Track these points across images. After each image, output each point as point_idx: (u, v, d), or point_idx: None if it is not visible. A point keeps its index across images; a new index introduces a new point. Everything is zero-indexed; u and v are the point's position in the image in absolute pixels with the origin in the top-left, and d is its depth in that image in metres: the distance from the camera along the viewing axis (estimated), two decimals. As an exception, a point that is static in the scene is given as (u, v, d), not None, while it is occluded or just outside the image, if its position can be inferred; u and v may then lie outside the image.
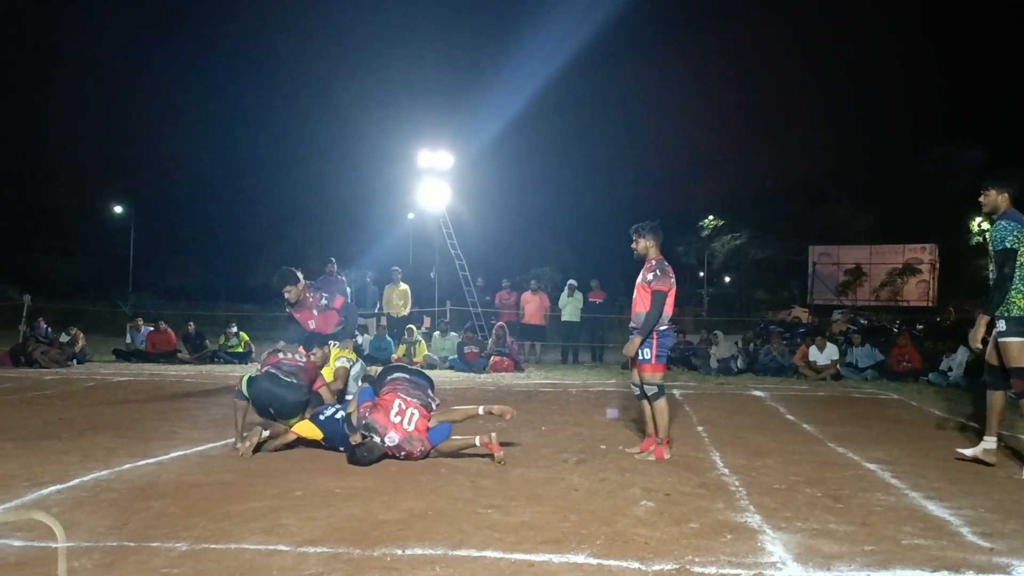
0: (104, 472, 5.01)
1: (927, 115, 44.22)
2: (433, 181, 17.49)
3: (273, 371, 5.97)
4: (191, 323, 15.57)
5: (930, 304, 30.90)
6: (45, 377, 11.38)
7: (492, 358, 13.45)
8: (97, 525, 3.87)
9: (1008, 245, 5.24)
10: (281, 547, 3.55)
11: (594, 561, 3.41)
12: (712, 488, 4.83)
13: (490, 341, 14.12)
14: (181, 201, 46.32)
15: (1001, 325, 5.32)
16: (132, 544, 3.56)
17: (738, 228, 43.26)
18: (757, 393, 10.43)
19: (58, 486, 4.63)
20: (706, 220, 45.19)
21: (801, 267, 36.31)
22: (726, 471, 5.34)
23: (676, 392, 10.39)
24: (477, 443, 5.54)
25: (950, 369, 11.79)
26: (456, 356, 13.81)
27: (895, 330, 17.41)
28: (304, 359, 6.30)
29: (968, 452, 5.60)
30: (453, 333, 14.83)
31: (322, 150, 48.22)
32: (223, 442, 6.12)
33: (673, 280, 5.80)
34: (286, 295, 6.99)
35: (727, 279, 46.62)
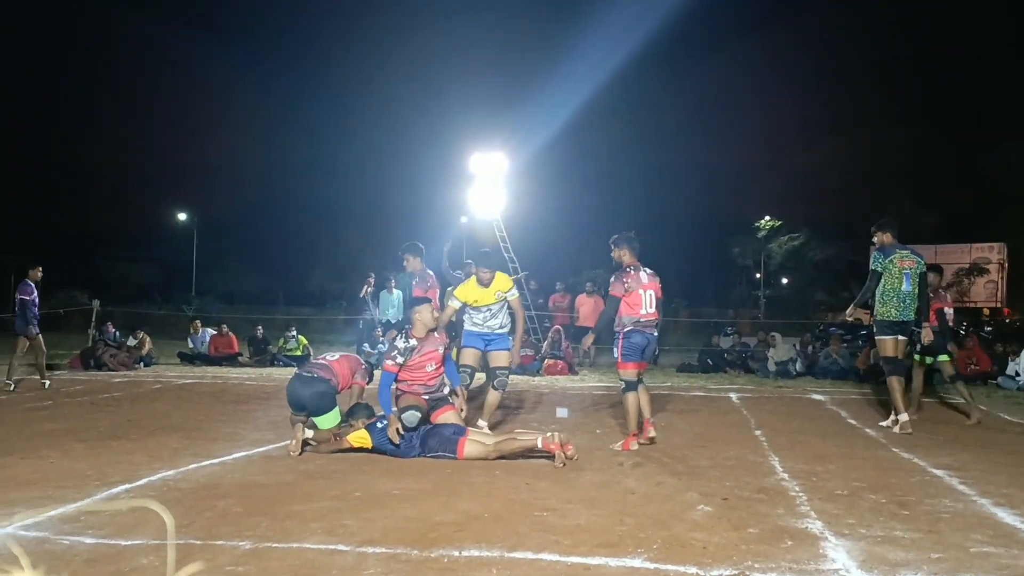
0: (171, 472, 5.16)
1: (994, 109, 42.76)
2: (487, 184, 17.57)
3: (303, 371, 6.35)
4: (259, 327, 15.93)
5: (999, 305, 29.82)
6: (113, 379, 11.76)
7: (546, 361, 13.44)
8: (163, 525, 3.98)
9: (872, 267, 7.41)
10: (341, 547, 3.61)
11: (651, 565, 3.38)
12: (771, 493, 4.75)
13: (545, 344, 14.12)
14: (241, 208, 47.48)
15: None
16: (198, 542, 3.66)
17: (796, 228, 42.42)
18: (817, 397, 10.22)
19: (127, 485, 4.79)
20: (762, 221, 44.42)
21: (862, 268, 35.42)
22: (785, 476, 5.25)
23: (733, 396, 10.25)
24: (539, 444, 5.56)
25: (1017, 374, 11.37)
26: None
27: (962, 332, 16.86)
28: (335, 356, 6.55)
29: (884, 423, 7.41)
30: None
31: (377, 155, 48.94)
32: (283, 443, 6.25)
33: (628, 285, 6.32)
34: (405, 264, 7.56)
35: (784, 280, 45.76)
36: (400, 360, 6.16)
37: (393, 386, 6.17)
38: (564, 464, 5.40)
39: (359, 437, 5.88)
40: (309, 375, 6.23)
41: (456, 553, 3.52)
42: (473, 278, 6.96)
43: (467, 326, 7.01)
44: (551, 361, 13.43)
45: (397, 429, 5.73)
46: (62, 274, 10.85)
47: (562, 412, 6.32)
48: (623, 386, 6.40)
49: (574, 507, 4.34)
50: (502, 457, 5.58)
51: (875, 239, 7.58)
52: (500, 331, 6.93)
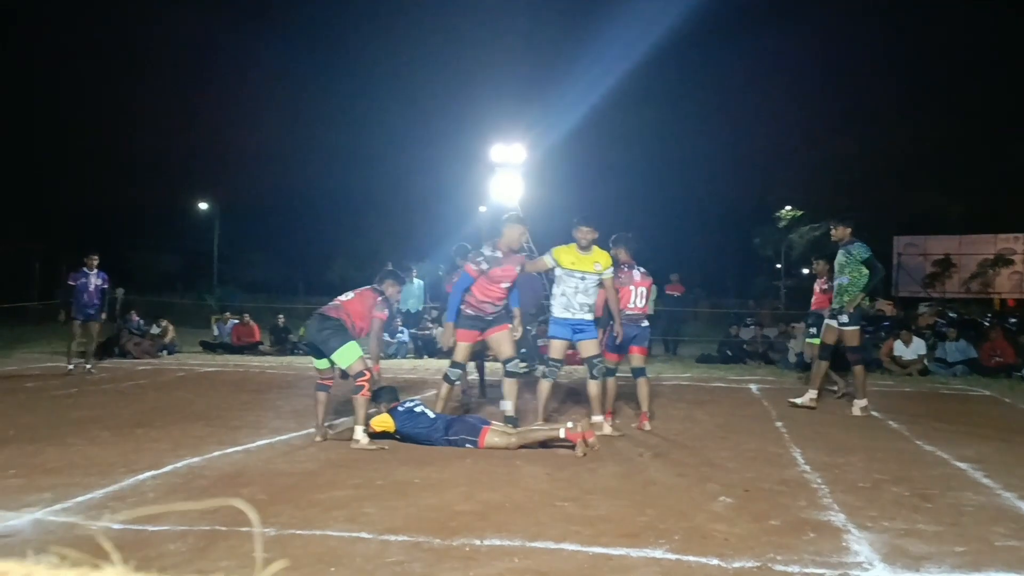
0: (195, 459, 5.22)
1: (1021, 100, 42.03)
2: (506, 174, 17.55)
3: (317, 312, 6.17)
4: (281, 316, 16.06)
5: (1024, 297, 29.44)
6: (138, 367, 11.91)
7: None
8: (190, 511, 4.04)
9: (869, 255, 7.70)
10: (364, 535, 3.64)
11: (672, 556, 3.39)
12: (793, 485, 4.73)
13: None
14: (262, 198, 47.67)
15: (844, 317, 7.68)
16: (224, 529, 3.70)
17: (817, 218, 41.99)
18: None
19: (153, 472, 4.85)
20: (783, 211, 44.00)
21: (884, 259, 35.00)
22: (807, 468, 5.22)
23: (753, 387, 10.20)
24: (562, 434, 5.58)
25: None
26: (527, 349, 13.84)
27: (986, 324, 16.67)
28: (350, 296, 6.25)
29: (799, 400, 8.04)
30: (526, 327, 14.86)
31: (397, 145, 48.92)
32: (305, 431, 6.31)
33: (620, 280, 6.85)
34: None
35: (805, 271, 45.37)
36: (484, 267, 6.13)
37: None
38: (585, 454, 5.42)
39: (382, 421, 5.91)
40: (321, 315, 6.02)
41: (477, 542, 3.54)
42: (572, 244, 6.49)
43: (555, 310, 6.53)
44: (570, 351, 13.41)
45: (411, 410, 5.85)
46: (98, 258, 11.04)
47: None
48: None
49: (595, 497, 4.35)
50: (524, 447, 5.60)
51: (839, 232, 7.89)
52: (588, 316, 6.51)
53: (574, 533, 3.68)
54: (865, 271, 7.62)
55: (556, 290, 6.51)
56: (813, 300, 9.37)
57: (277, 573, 1.11)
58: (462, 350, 6.51)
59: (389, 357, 14.11)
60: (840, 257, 7.77)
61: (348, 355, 5.89)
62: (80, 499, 4.17)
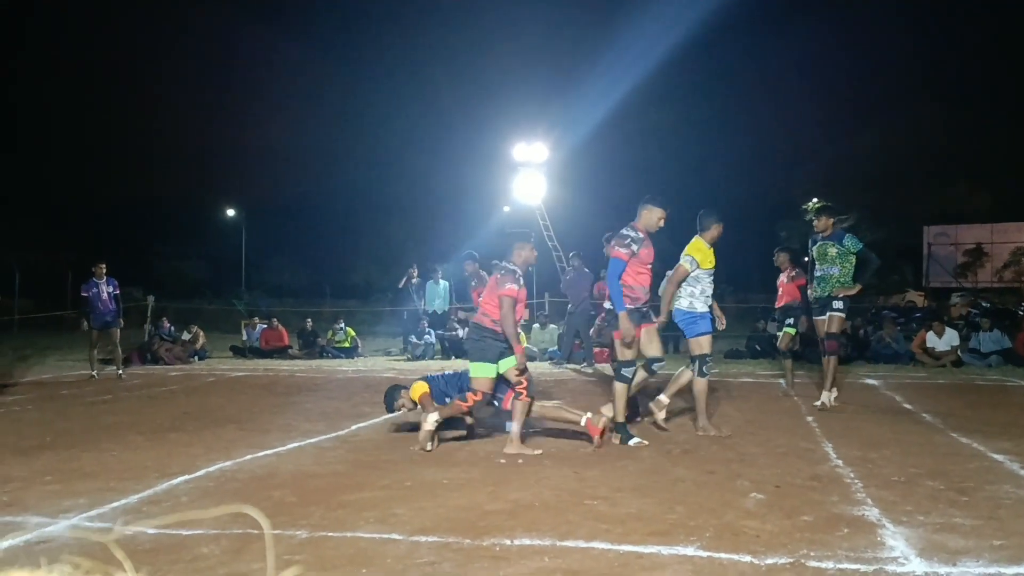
0: (227, 463, 5.27)
1: (1052, 84, 41.16)
2: (529, 173, 17.56)
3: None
4: (309, 320, 16.20)
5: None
6: (169, 373, 12.06)
7: (593, 348, 13.41)
8: (223, 514, 4.08)
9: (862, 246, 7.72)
10: (394, 536, 3.66)
11: (704, 554, 3.36)
12: (825, 480, 4.68)
13: (592, 331, 14.08)
14: (287, 203, 48.11)
15: (839, 303, 7.57)
16: (256, 532, 3.73)
17: (845, 211, 41.47)
18: (870, 381, 10.03)
19: (186, 476, 4.91)
20: (809, 203, 43.55)
21: (915, 249, 34.53)
22: (839, 463, 5.16)
23: (782, 381, 10.10)
24: (582, 423, 5.58)
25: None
26: (556, 348, 13.85)
27: (1020, 313, 16.38)
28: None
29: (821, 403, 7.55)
30: (552, 325, 14.87)
31: (418, 146, 49.04)
32: (335, 434, 6.36)
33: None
34: (465, 268, 7.34)
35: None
36: (634, 248, 5.81)
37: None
38: (600, 447, 5.43)
39: (418, 388, 6.06)
40: (472, 324, 5.90)
41: (507, 542, 3.54)
42: (699, 241, 6.42)
43: (700, 306, 6.32)
44: (597, 349, 13.39)
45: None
46: (118, 272, 11.31)
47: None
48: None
49: (624, 495, 4.34)
50: (545, 419, 5.63)
51: (822, 223, 7.94)
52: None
53: (604, 532, 3.67)
54: (854, 262, 7.62)
55: (694, 288, 6.35)
56: (781, 293, 9.10)
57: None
58: (634, 345, 5.96)
59: (417, 359, 14.19)
60: (828, 248, 7.68)
61: (479, 370, 5.77)
62: (115, 504, 4.23)
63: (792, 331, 8.85)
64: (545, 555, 3.36)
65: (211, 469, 5.10)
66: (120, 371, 11.11)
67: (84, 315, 11.09)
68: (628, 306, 5.78)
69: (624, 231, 5.95)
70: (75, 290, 12.85)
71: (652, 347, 6.07)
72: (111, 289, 11.04)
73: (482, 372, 5.76)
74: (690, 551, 3.39)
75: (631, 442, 5.75)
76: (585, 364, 12.65)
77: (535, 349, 14.03)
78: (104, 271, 11.05)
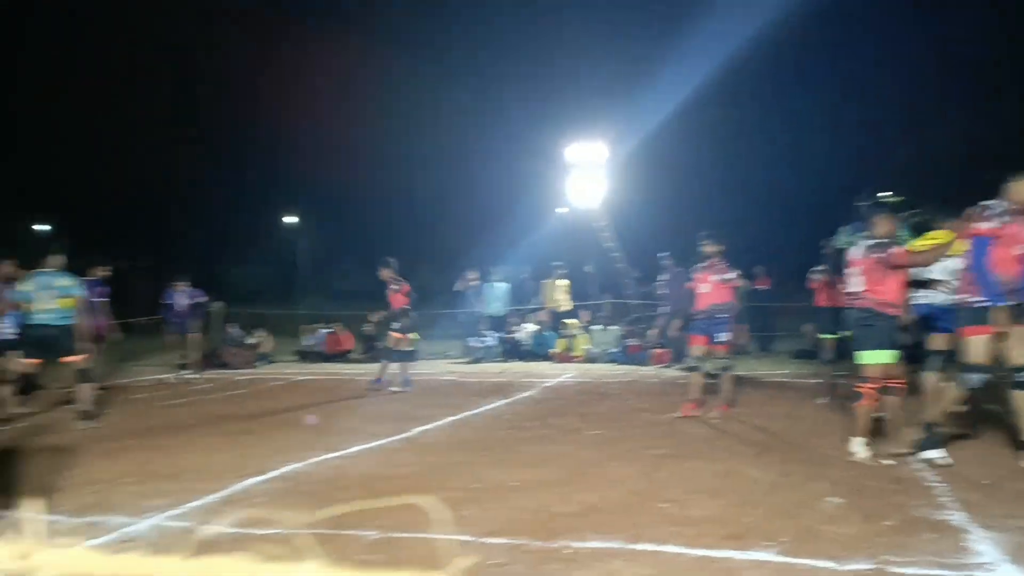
0: (298, 464, 5.36)
1: None
2: (586, 174, 17.47)
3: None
4: (370, 324, 16.39)
5: None
6: (237, 377, 12.34)
7: (654, 350, 13.28)
8: (296, 515, 4.15)
9: None
10: (465, 537, 3.66)
11: (781, 559, 3.28)
12: (906, 483, 4.53)
13: (651, 333, 13.94)
14: (346, 208, 48.85)
15: None
16: (329, 532, 3.79)
17: (919, 204, 40.14)
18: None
19: (260, 477, 5.00)
20: (881, 196, 42.24)
21: (989, 243, 33.17)
22: (921, 465, 4.99)
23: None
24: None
25: None
26: (617, 349, 13.75)
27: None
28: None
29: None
30: (613, 327, 14.76)
31: (472, 148, 49.26)
32: (401, 436, 6.41)
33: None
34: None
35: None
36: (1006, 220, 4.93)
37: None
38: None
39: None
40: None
41: (578, 544, 3.51)
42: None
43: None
44: (659, 350, 13.25)
45: None
46: (187, 279, 11.77)
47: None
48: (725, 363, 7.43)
49: (696, 498, 4.27)
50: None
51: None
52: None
53: (676, 534, 3.62)
54: None
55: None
56: (823, 296, 8.29)
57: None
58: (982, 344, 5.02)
59: (476, 361, 14.24)
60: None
61: (875, 356, 5.27)
62: (195, 504, 4.34)
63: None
64: (617, 558, 3.33)
65: (284, 471, 5.19)
66: (195, 375, 11.50)
67: (163, 322, 11.56)
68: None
69: (990, 203, 5.05)
70: (152, 297, 13.33)
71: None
72: (188, 300, 11.72)
73: (875, 359, 5.24)
74: (767, 556, 3.32)
75: None
76: (680, 366, 12.34)
77: (596, 351, 13.95)
78: (183, 282, 11.60)
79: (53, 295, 7.17)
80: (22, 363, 7.32)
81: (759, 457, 5.33)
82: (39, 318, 7.14)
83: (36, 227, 37.97)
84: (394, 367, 10.03)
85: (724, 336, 7.33)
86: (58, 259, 7.35)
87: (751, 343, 15.08)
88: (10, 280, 7.91)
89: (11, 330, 7.73)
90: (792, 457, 5.29)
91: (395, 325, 10.10)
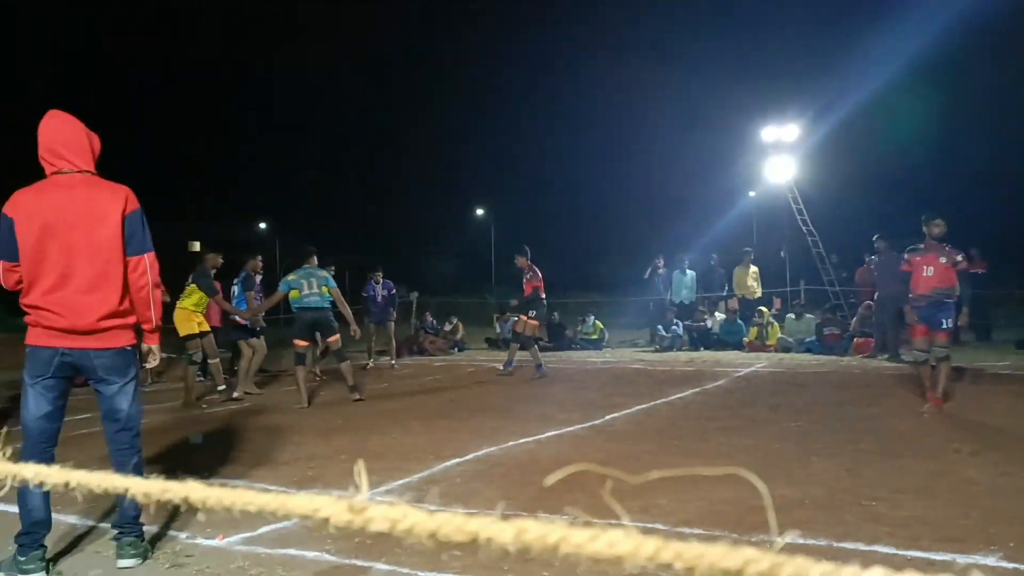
0: (493, 448, 5.59)
1: None
2: (778, 155, 16.73)
3: None
4: (555, 312, 16.70)
5: None
6: (434, 363, 13.00)
7: (855, 339, 12.52)
8: (493, 495, 4.34)
9: None
10: (658, 525, 3.67)
11: (1009, 565, 3.02)
12: None
13: (853, 321, 13.15)
14: (533, 199, 49.88)
15: None
16: (524, 514, 3.93)
17: None
18: None
19: (457, 459, 5.27)
20: None
21: None
22: None
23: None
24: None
25: None
26: (814, 338, 13.09)
27: None
28: None
29: None
30: (809, 315, 14.06)
31: (658, 133, 48.56)
32: (590, 423, 6.50)
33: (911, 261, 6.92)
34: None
35: None
36: None
37: None
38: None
39: None
40: None
41: (777, 539, 3.40)
42: None
43: None
44: (860, 339, 12.48)
45: None
46: (387, 271, 12.57)
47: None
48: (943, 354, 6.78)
49: (906, 497, 4.01)
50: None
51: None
52: None
53: (886, 535, 3.43)
54: None
55: None
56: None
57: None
58: None
59: (664, 350, 14.09)
60: None
61: None
62: (401, 482, 4.65)
63: None
64: (821, 556, 3.19)
65: (479, 453, 5.43)
66: (393, 361, 12.26)
67: (363, 312, 12.40)
68: None
69: None
70: (355, 290, 14.42)
71: None
72: (385, 292, 12.43)
73: None
74: (991, 561, 3.07)
75: None
76: (884, 356, 11.64)
77: (791, 340, 13.36)
78: (380, 277, 12.33)
79: (317, 283, 8.13)
80: (297, 343, 8.23)
81: (976, 456, 4.90)
82: (309, 302, 8.09)
83: (259, 226, 41.98)
84: (526, 353, 10.40)
85: (948, 323, 6.77)
86: (313, 256, 8.36)
87: (968, 332, 13.84)
88: (256, 273, 9.45)
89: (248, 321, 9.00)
90: (1014, 457, 4.83)
91: (531, 312, 10.30)
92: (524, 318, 10.34)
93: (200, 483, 0.75)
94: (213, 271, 8.68)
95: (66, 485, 0.77)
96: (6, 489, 0.82)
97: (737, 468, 0.83)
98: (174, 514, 3.87)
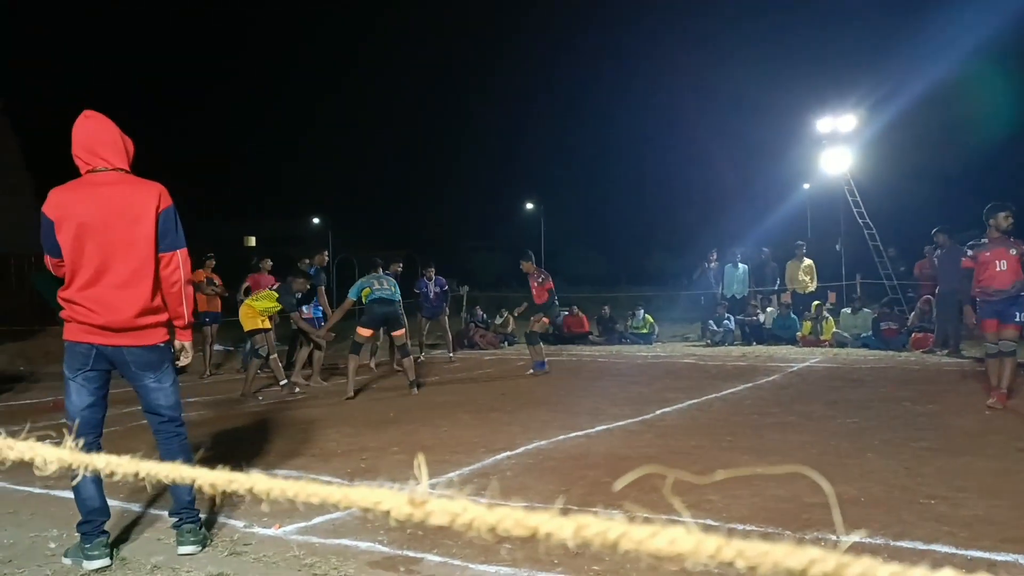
0: (543, 442, 5.59)
1: None
2: (834, 146, 16.38)
3: None
4: (606, 307, 16.65)
5: None
6: (485, 357, 13.07)
7: (913, 334, 12.20)
8: (544, 489, 4.35)
9: None
10: (710, 522, 3.64)
11: (1078, 568, 2.93)
12: None
13: (911, 316, 12.82)
14: (581, 196, 49.73)
15: None
16: (576, 508, 3.93)
17: None
18: None
19: (508, 452, 5.29)
20: None
21: None
22: None
23: None
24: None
25: None
26: (870, 333, 12.80)
27: None
28: None
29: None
30: (866, 309, 13.75)
31: (709, 129, 48.00)
32: (641, 418, 6.46)
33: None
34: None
35: None
36: None
37: None
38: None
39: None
40: None
41: (834, 537, 3.36)
42: None
43: None
44: (919, 334, 12.16)
45: None
46: (439, 265, 12.68)
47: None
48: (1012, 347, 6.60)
49: (968, 496, 3.91)
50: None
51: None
52: None
53: (947, 534, 3.34)
54: None
55: None
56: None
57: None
58: None
59: (716, 344, 13.93)
60: None
61: None
62: (452, 475, 4.69)
63: None
64: (880, 554, 3.14)
65: (529, 447, 5.44)
66: (451, 355, 12.57)
67: (418, 307, 12.60)
68: None
69: None
70: (406, 285, 14.61)
71: None
72: (437, 289, 12.61)
73: None
74: (1059, 564, 2.97)
75: None
76: (945, 352, 11.35)
77: (846, 335, 13.08)
78: (432, 272, 12.57)
79: (387, 282, 8.49)
80: (360, 331, 8.45)
81: (1044, 455, 4.75)
82: (382, 294, 8.35)
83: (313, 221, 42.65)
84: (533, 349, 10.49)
85: (1021, 317, 6.50)
86: (380, 268, 8.95)
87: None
88: (321, 266, 9.84)
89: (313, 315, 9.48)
90: (1088, 457, 4.66)
91: (543, 315, 10.44)
92: (543, 319, 10.53)
93: (264, 474, 0.77)
94: (298, 294, 8.97)
95: (136, 475, 0.80)
96: (79, 478, 0.85)
97: (801, 467, 0.82)
98: (232, 504, 3.98)
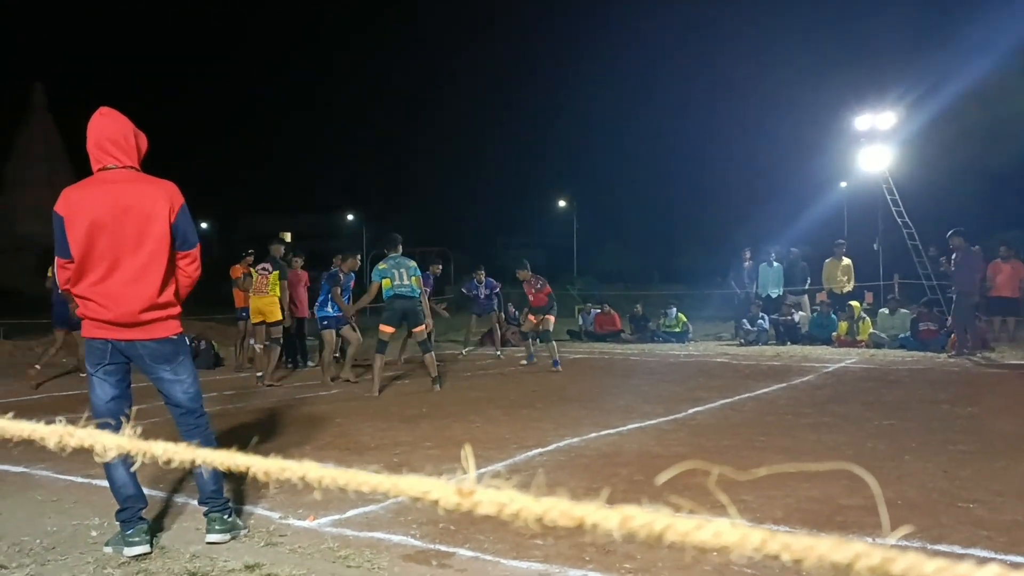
0: (575, 439, 5.60)
1: None
2: (872, 144, 16.13)
3: None
4: (638, 305, 16.58)
5: None
6: (516, 354, 13.09)
7: (952, 335, 11.98)
8: (576, 486, 4.35)
9: None
10: (744, 522, 3.62)
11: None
12: None
13: (951, 317, 12.58)
14: (614, 193, 49.56)
15: None
16: (610, 506, 3.93)
17: None
18: None
19: (540, 449, 5.31)
20: None
21: None
22: None
23: None
24: None
25: None
26: (908, 334, 12.60)
27: None
28: None
29: None
30: (903, 310, 13.54)
31: (743, 125, 47.52)
32: (673, 417, 6.44)
33: None
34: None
35: None
36: None
37: None
38: None
39: None
40: None
41: (869, 540, 3.32)
42: None
43: None
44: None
45: None
46: (471, 261, 12.76)
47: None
48: None
49: (1007, 500, 3.85)
50: None
51: None
52: None
53: (985, 539, 3.30)
54: None
55: None
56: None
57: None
58: None
59: (749, 344, 13.82)
60: None
61: None
62: (483, 470, 4.69)
63: None
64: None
65: (561, 444, 5.46)
66: (499, 352, 12.74)
67: (468, 305, 12.93)
68: None
69: None
70: (441, 282, 14.88)
71: None
72: (487, 290, 13.05)
73: None
74: (1101, 571, 2.92)
75: None
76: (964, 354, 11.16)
77: (883, 335, 12.89)
78: (483, 275, 13.03)
79: (407, 273, 8.25)
80: (383, 329, 8.34)
81: (1089, 460, 4.65)
82: (401, 290, 8.21)
83: (348, 217, 43.05)
84: (531, 345, 11.08)
85: None
86: (399, 244, 8.49)
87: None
88: (352, 271, 9.69)
89: (334, 312, 9.37)
90: None
91: (554, 310, 10.75)
92: (549, 317, 10.75)
93: (315, 463, 0.80)
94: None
95: (192, 462, 0.84)
96: (138, 464, 0.89)
97: (846, 463, 0.83)
98: (268, 496, 4.05)
